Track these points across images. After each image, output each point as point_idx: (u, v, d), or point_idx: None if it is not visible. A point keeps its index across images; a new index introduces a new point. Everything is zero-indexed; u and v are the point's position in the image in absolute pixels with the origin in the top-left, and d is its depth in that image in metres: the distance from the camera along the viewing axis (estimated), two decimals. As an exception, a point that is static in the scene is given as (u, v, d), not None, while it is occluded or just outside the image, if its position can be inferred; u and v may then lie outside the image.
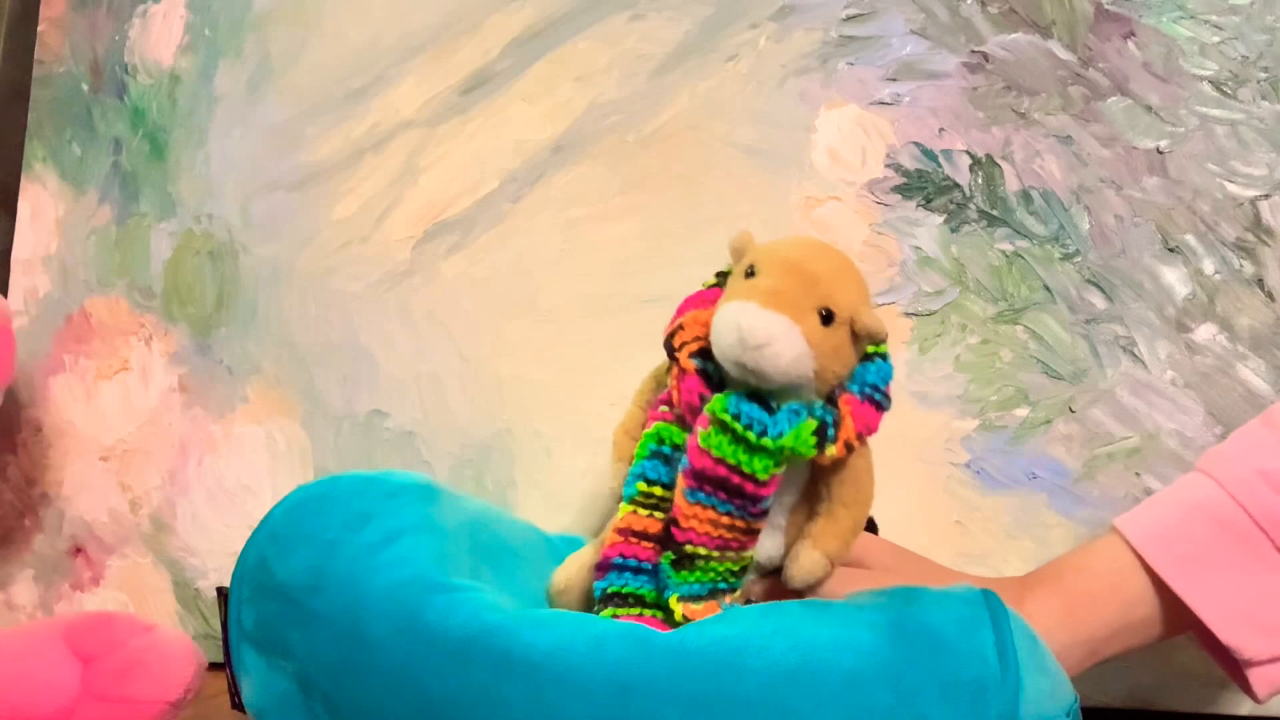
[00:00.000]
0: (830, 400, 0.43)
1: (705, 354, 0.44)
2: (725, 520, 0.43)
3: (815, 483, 0.45)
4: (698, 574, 0.44)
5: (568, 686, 0.39)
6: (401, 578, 0.44)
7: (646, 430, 0.47)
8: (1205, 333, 0.61)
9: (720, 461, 0.42)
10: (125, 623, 0.68)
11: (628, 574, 0.46)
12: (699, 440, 0.43)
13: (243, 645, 0.48)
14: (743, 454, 0.42)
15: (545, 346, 0.74)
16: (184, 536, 0.83)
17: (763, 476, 0.42)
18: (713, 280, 0.48)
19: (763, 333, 0.40)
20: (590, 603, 0.47)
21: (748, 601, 0.46)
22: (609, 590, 0.46)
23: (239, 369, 0.83)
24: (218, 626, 0.54)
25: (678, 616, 0.44)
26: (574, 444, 0.72)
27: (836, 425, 0.42)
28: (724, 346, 0.42)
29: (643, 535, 0.46)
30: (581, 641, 0.41)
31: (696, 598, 0.45)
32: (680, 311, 0.47)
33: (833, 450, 0.43)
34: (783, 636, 0.40)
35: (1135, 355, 0.61)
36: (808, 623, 0.41)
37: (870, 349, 0.44)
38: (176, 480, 0.84)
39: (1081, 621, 0.47)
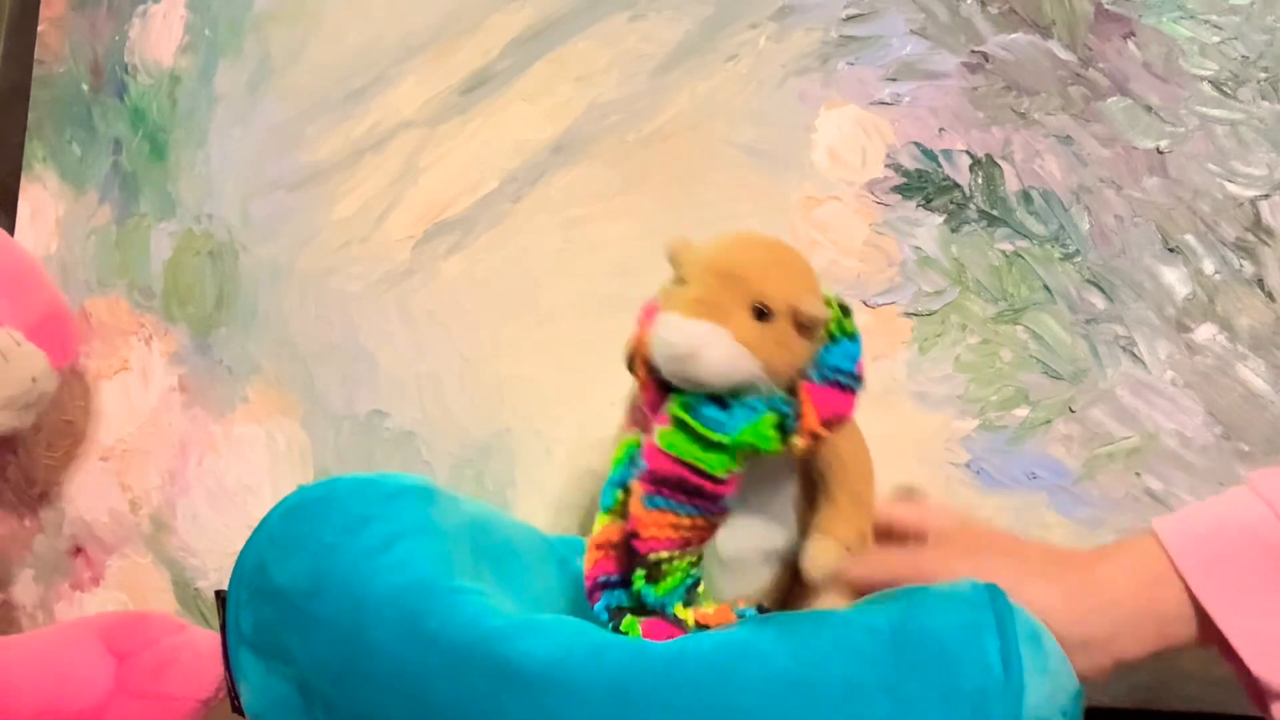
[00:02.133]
0: (793, 390, 0.42)
1: None
2: (686, 521, 0.43)
3: (811, 475, 0.44)
4: (671, 580, 0.44)
5: (567, 695, 0.39)
6: (402, 582, 0.44)
7: (624, 439, 0.46)
8: (1205, 333, 0.61)
9: (677, 460, 0.41)
10: (159, 621, 0.69)
11: (617, 590, 0.45)
12: (656, 439, 0.42)
13: (241, 649, 0.48)
14: (700, 451, 0.41)
15: (545, 346, 0.74)
16: (184, 536, 0.83)
17: (720, 474, 0.41)
18: (668, 285, 0.46)
19: (686, 344, 0.40)
20: None
21: (760, 608, 0.45)
22: (616, 606, 0.45)
23: (239, 369, 0.83)
24: (217, 628, 0.54)
25: (690, 625, 0.44)
26: (574, 444, 0.72)
27: (797, 415, 0.42)
28: (658, 360, 0.41)
29: (615, 545, 0.45)
30: (581, 650, 0.41)
31: (692, 602, 0.45)
32: (640, 322, 0.46)
33: (798, 441, 0.42)
34: (783, 644, 0.40)
35: (1135, 355, 0.61)
36: (808, 630, 0.41)
37: (834, 330, 0.43)
38: (176, 480, 0.84)
39: (1105, 618, 0.45)
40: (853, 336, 0.43)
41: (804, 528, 0.45)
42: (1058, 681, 0.41)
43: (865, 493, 0.45)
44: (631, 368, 0.46)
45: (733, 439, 0.41)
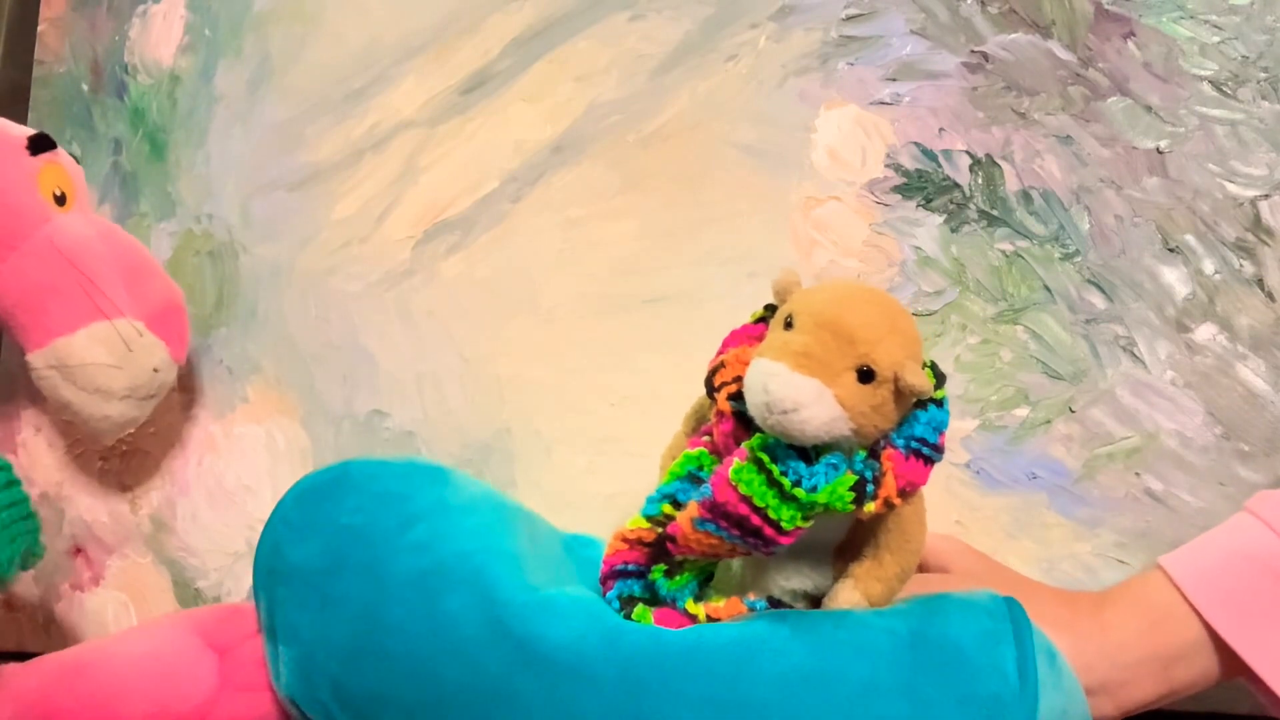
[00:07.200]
0: (874, 452, 0.41)
1: (743, 396, 0.42)
2: (729, 547, 0.42)
3: (863, 525, 0.43)
4: (687, 574, 0.44)
5: (581, 681, 0.39)
6: (422, 563, 0.44)
7: (687, 451, 0.45)
8: (1205, 333, 0.61)
9: (746, 500, 0.40)
10: (254, 612, 0.68)
11: (631, 580, 0.45)
12: (730, 473, 0.41)
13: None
14: (772, 498, 0.40)
15: (545, 346, 0.74)
16: (184, 536, 0.83)
17: (787, 527, 0.40)
18: (761, 312, 0.46)
19: (790, 399, 0.39)
20: None
21: (771, 601, 0.45)
22: (629, 595, 0.45)
23: (239, 369, 0.83)
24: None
25: (701, 619, 0.43)
26: (574, 444, 0.72)
27: (877, 481, 0.41)
28: (753, 406, 0.40)
29: (644, 543, 0.45)
30: (597, 635, 0.41)
31: (704, 596, 0.45)
32: (725, 346, 0.45)
33: (871, 507, 0.41)
34: (800, 640, 0.40)
35: (1135, 355, 0.61)
36: (826, 628, 0.41)
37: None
38: (176, 480, 0.84)
39: (1112, 663, 0.44)
40: (942, 405, 0.43)
41: (838, 570, 0.45)
42: (1070, 701, 0.41)
43: (910, 565, 0.44)
44: (710, 392, 0.44)
45: (810, 497, 0.40)
